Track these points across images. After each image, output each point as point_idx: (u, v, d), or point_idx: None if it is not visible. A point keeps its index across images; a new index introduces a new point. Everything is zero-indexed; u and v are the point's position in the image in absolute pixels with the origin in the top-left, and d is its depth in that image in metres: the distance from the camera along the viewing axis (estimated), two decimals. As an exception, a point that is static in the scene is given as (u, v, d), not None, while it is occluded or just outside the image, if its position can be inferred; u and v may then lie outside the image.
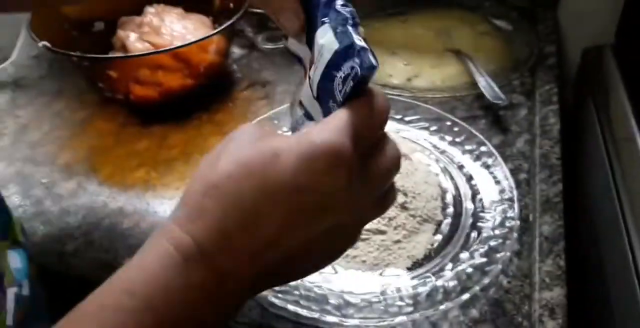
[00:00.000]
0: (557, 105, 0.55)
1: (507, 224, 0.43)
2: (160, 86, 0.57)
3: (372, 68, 0.24)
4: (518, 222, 0.44)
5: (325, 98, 0.28)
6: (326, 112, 0.28)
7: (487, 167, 0.48)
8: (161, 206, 0.48)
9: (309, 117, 0.32)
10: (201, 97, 0.59)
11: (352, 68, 0.25)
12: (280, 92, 0.61)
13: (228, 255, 0.24)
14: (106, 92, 0.58)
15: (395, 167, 0.27)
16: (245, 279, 0.25)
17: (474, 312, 0.39)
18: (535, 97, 0.57)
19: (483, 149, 0.50)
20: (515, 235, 0.42)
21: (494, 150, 0.49)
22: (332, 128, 0.24)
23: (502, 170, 0.48)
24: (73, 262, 0.44)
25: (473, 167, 0.49)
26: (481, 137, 0.51)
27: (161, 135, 0.56)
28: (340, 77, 0.26)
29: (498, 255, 0.41)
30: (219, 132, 0.55)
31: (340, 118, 0.25)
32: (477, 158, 0.49)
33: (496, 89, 0.55)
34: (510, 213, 0.44)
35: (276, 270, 0.26)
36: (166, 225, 0.25)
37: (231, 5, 0.61)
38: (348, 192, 0.25)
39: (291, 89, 0.61)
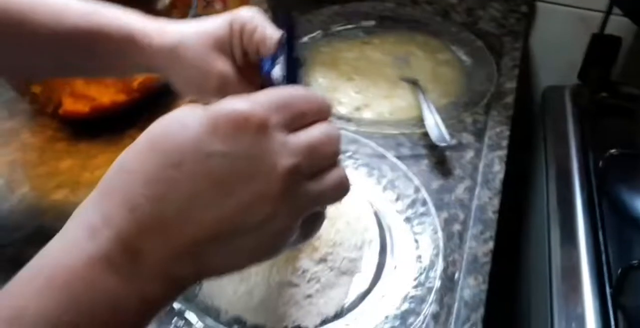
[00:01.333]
0: (505, 151, 0.53)
1: (427, 285, 0.41)
2: (92, 101, 0.54)
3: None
4: (439, 282, 0.42)
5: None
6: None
7: (418, 217, 0.46)
8: (73, 235, 0.46)
9: None
10: (137, 113, 0.56)
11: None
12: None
13: (136, 228, 0.22)
14: (34, 104, 0.55)
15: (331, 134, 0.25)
16: (160, 257, 0.22)
17: (377, 382, 0.37)
18: (484, 139, 0.55)
19: (418, 196, 0.47)
20: (432, 297, 0.40)
21: (428, 199, 0.47)
22: (244, 98, 0.23)
23: (433, 223, 0.45)
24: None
25: (403, 216, 0.47)
26: (418, 182, 0.48)
27: (88, 154, 0.53)
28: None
29: (410, 320, 0.39)
30: (149, 155, 0.52)
31: (260, 92, 0.24)
32: (411, 206, 0.47)
33: (443, 129, 0.53)
34: (432, 273, 0.42)
35: (196, 250, 0.23)
36: (75, 213, 0.23)
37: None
38: (266, 160, 0.23)
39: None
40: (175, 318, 0.39)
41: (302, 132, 0.24)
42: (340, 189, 0.26)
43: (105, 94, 0.54)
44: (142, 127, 0.58)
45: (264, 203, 0.23)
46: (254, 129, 0.23)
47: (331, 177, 0.25)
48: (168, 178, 0.22)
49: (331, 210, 0.45)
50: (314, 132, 0.25)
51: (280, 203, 0.23)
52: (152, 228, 0.22)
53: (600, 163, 0.46)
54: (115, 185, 0.23)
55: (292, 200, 0.24)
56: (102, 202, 0.23)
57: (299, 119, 0.25)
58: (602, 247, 0.42)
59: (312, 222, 0.26)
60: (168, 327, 0.38)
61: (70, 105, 0.53)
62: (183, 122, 0.23)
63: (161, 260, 0.22)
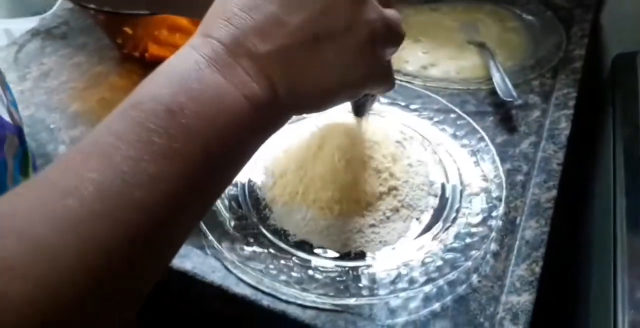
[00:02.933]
0: (571, 110, 0.53)
1: (489, 223, 0.42)
2: (177, 48, 0.58)
3: None
4: (500, 222, 0.43)
5: None
6: None
7: (481, 163, 0.47)
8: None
9: None
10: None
11: None
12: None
13: (232, 34, 0.25)
14: (124, 49, 0.59)
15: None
16: (256, 57, 0.25)
17: (436, 306, 0.39)
18: (551, 99, 0.55)
19: (482, 145, 0.48)
20: (493, 234, 0.41)
21: (492, 148, 0.48)
22: None
23: (496, 169, 0.46)
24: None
25: (467, 162, 0.48)
26: (482, 133, 0.49)
27: (169, 96, 0.57)
28: None
29: (472, 253, 0.40)
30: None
31: None
32: (474, 154, 0.48)
33: (510, 86, 0.54)
34: (494, 213, 0.43)
35: (286, 54, 0.25)
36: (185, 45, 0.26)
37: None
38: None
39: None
40: (250, 238, 0.42)
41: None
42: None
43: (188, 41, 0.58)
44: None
45: (344, 10, 0.26)
46: None
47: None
48: None
49: (399, 151, 0.47)
50: (395, 13, 0.29)
51: (358, 16, 0.26)
52: (247, 32, 0.25)
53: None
54: (210, 13, 0.26)
55: (367, 24, 0.27)
56: (200, 28, 0.26)
57: None
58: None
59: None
60: (243, 245, 0.41)
61: (156, 50, 0.58)
62: None
63: (257, 60, 0.25)
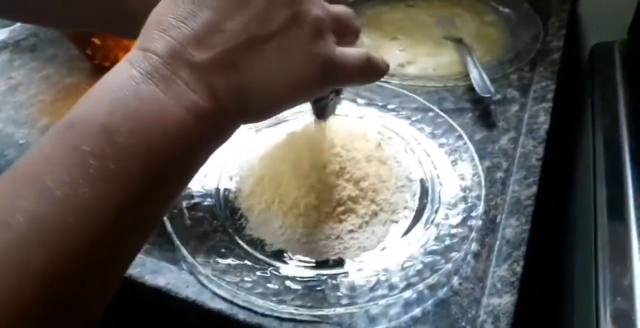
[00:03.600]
0: (550, 104, 0.52)
1: (469, 223, 0.41)
2: (146, 56, 0.56)
3: None
4: (480, 222, 0.42)
5: None
6: None
7: (459, 162, 0.46)
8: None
9: None
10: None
11: None
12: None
13: (169, 45, 0.24)
14: (94, 60, 0.58)
15: None
16: (195, 67, 0.24)
17: (417, 311, 0.38)
18: (530, 93, 0.54)
19: (460, 143, 0.48)
20: (474, 235, 0.40)
21: (470, 146, 0.47)
22: None
23: (474, 168, 0.45)
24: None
25: (445, 161, 0.47)
26: (460, 131, 0.48)
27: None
28: None
29: (452, 254, 0.39)
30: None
31: None
32: (452, 153, 0.47)
33: (487, 82, 0.53)
34: (474, 213, 0.42)
35: (229, 59, 0.25)
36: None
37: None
38: None
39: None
40: (225, 250, 0.41)
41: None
42: (363, 61, 0.29)
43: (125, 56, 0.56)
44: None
45: (280, 9, 0.25)
46: None
47: (354, 49, 0.29)
48: (190, 1, 0.25)
49: (376, 153, 0.46)
50: (341, 7, 0.29)
51: (297, 14, 0.26)
52: (183, 42, 0.24)
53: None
54: (146, 26, 0.25)
55: (309, 20, 0.26)
56: (137, 42, 0.25)
57: None
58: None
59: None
60: (217, 257, 0.40)
61: (126, 60, 0.56)
62: None
63: (197, 70, 0.24)
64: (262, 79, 0.25)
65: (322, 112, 0.39)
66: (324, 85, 0.29)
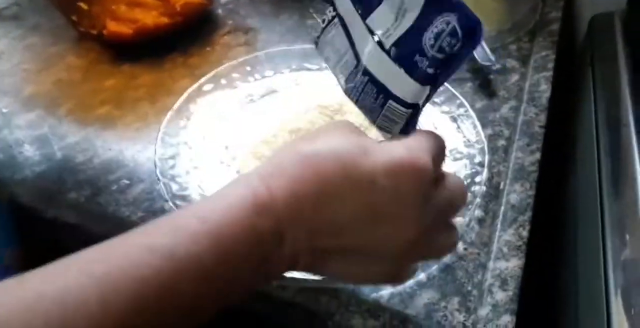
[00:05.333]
0: (550, 72, 0.51)
1: (472, 189, 0.40)
2: (135, 23, 0.54)
3: (475, 23, 0.24)
4: (484, 188, 0.41)
5: (407, 52, 0.27)
6: (410, 65, 0.27)
7: (462, 129, 0.45)
8: (118, 145, 0.46)
9: (372, 80, 0.30)
10: (179, 38, 0.57)
11: (448, 23, 0.25)
12: (262, 40, 0.58)
13: (292, 219, 0.25)
14: (80, 27, 0.55)
15: (459, 197, 0.29)
16: (297, 250, 0.25)
17: (422, 276, 0.37)
18: (530, 63, 0.53)
19: (461, 111, 0.47)
20: (478, 200, 0.39)
21: (472, 113, 0.46)
22: (417, 146, 0.27)
23: (477, 135, 0.44)
24: (17, 190, 0.42)
25: (448, 128, 0.46)
26: (462, 99, 0.47)
27: (131, 74, 0.54)
28: (433, 32, 0.26)
29: (456, 220, 0.38)
30: (191, 75, 0.53)
31: (422, 139, 0.28)
32: (454, 120, 0.46)
33: (487, 50, 0.52)
34: (477, 179, 0.41)
35: (324, 258, 0.27)
36: (248, 174, 0.26)
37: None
38: (417, 209, 0.26)
39: (274, 38, 0.58)
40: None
41: (445, 189, 0.28)
42: (448, 247, 0.31)
43: (148, 16, 0.54)
44: (184, 51, 0.59)
45: (397, 242, 0.27)
46: (424, 181, 0.26)
47: (447, 236, 0.30)
48: (340, 192, 0.25)
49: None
50: (454, 190, 0.29)
51: (406, 257, 0.28)
52: (305, 224, 0.25)
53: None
54: (292, 170, 0.25)
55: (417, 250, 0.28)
56: (274, 178, 0.25)
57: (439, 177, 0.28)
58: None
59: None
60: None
61: (115, 27, 0.54)
62: (368, 150, 0.26)
63: (294, 252, 0.25)
64: (341, 269, 0.28)
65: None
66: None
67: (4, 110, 0.50)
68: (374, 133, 0.43)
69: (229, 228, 0.23)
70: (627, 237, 0.37)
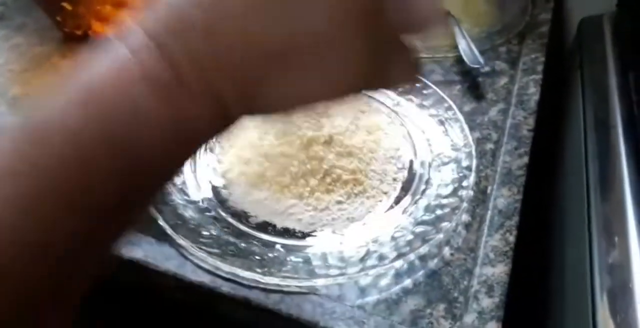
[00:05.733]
0: (540, 75, 0.51)
1: (460, 193, 0.40)
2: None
3: None
4: (471, 192, 0.41)
5: None
6: None
7: (450, 133, 0.45)
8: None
9: None
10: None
11: None
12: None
13: (174, 30, 0.18)
14: (65, 27, 0.55)
15: None
16: (202, 61, 0.19)
17: (408, 282, 0.37)
18: (519, 65, 0.53)
19: (449, 114, 0.46)
20: (465, 205, 0.39)
21: (460, 116, 0.46)
22: None
23: (465, 138, 0.44)
24: None
25: (435, 132, 0.46)
26: (450, 102, 0.47)
27: (117, 76, 0.53)
28: None
29: (443, 225, 0.38)
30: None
31: None
32: (442, 123, 0.46)
33: (476, 52, 0.51)
34: (465, 183, 0.41)
35: (254, 67, 0.19)
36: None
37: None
38: None
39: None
40: (207, 222, 0.39)
41: None
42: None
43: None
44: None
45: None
46: None
47: None
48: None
49: (365, 123, 0.44)
50: None
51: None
52: (192, 27, 0.19)
53: (642, 80, 0.44)
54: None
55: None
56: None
57: None
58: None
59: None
60: (199, 230, 0.38)
61: (100, 28, 0.53)
62: None
63: (207, 74, 0.19)
64: (292, 82, 0.20)
65: None
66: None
67: (-12, 112, 0.49)
68: (360, 137, 0.43)
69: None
70: (615, 239, 0.37)
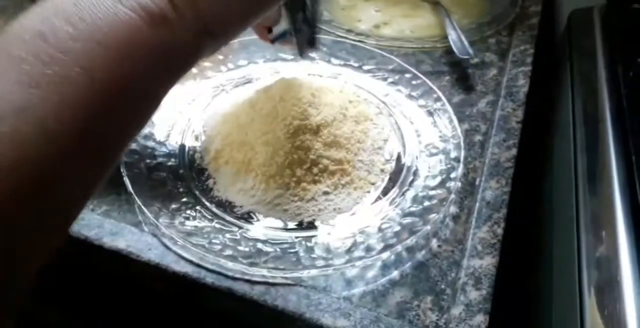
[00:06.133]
0: (529, 67, 0.51)
1: (448, 185, 0.40)
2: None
3: None
4: (459, 184, 0.40)
5: None
6: None
7: (438, 124, 0.44)
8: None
9: None
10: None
11: None
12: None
13: None
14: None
15: None
16: None
17: (395, 274, 0.36)
18: (508, 57, 0.53)
19: (438, 105, 0.46)
20: (452, 196, 0.39)
21: (449, 108, 0.45)
22: None
23: (453, 129, 0.44)
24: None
25: (423, 123, 0.45)
26: (439, 93, 0.46)
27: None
28: None
29: (430, 216, 0.38)
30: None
31: None
32: (430, 114, 0.45)
33: (466, 43, 0.51)
34: (453, 175, 0.40)
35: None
36: None
37: None
38: None
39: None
40: (191, 211, 0.38)
41: None
42: None
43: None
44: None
45: None
46: None
47: None
48: None
49: (352, 113, 0.43)
50: None
51: None
52: None
53: (631, 73, 0.44)
54: None
55: None
56: None
57: None
58: (633, 155, 0.41)
59: None
60: (183, 220, 0.37)
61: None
62: None
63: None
64: None
65: (304, 46, 0.36)
66: None
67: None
68: (348, 127, 0.42)
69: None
70: (603, 233, 0.37)
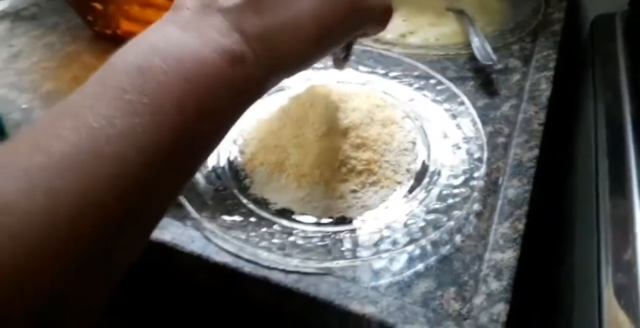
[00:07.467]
0: (552, 72, 0.53)
1: (471, 184, 0.42)
2: (148, 23, 0.56)
3: None
4: (482, 182, 0.42)
5: None
6: None
7: (462, 126, 0.47)
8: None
9: None
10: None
11: None
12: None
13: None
14: (95, 26, 0.58)
15: None
16: (229, 11, 0.25)
17: (420, 266, 0.38)
18: (531, 62, 0.55)
19: (462, 109, 0.48)
20: (475, 194, 0.41)
21: (472, 111, 0.47)
22: None
23: (477, 131, 0.46)
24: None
25: (448, 125, 0.47)
26: (463, 97, 0.49)
27: (144, 73, 0.56)
28: None
29: (454, 213, 0.40)
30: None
31: None
32: (454, 117, 0.48)
33: (489, 49, 0.53)
34: (476, 174, 0.42)
35: (259, 2, 0.26)
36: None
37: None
38: None
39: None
40: (230, 208, 0.41)
41: None
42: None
43: (159, 16, 0.56)
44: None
45: None
46: None
47: None
48: None
49: (379, 116, 0.46)
50: None
51: None
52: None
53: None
54: None
55: None
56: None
57: None
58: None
59: None
60: (223, 215, 0.40)
61: (129, 27, 0.56)
62: None
63: (227, 16, 0.25)
64: (291, 18, 0.26)
65: (340, 61, 0.39)
66: (353, 22, 0.30)
67: (24, 106, 0.52)
68: (375, 130, 0.45)
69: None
70: (623, 236, 0.38)
